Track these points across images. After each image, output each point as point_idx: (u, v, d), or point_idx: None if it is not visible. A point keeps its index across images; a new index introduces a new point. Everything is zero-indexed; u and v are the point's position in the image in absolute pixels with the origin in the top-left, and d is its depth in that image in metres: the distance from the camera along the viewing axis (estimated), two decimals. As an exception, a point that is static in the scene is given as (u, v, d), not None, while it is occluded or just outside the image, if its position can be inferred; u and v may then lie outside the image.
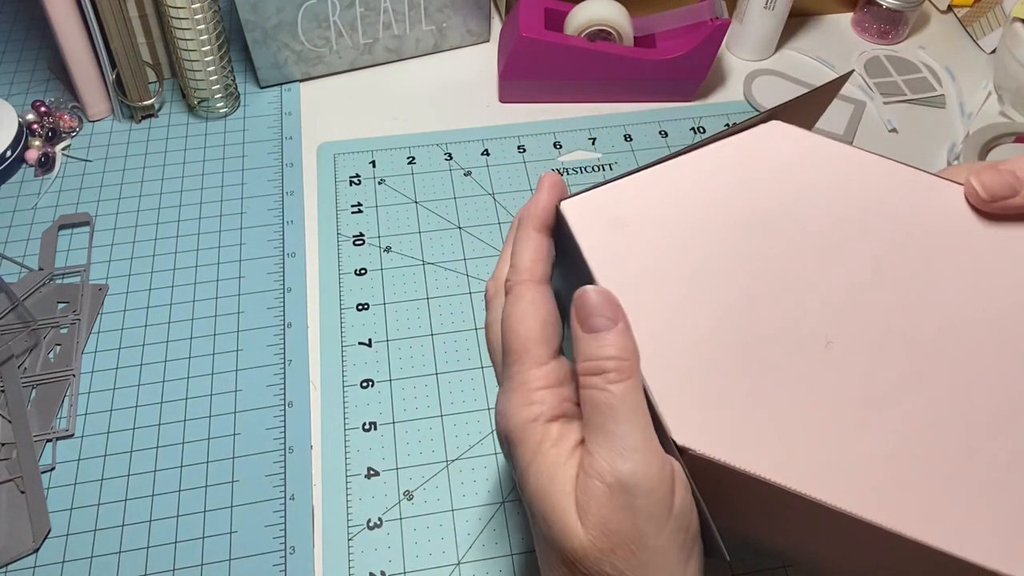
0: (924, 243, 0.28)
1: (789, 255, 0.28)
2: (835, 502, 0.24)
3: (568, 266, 0.29)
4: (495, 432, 0.29)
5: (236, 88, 0.63)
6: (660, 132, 0.63)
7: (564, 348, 0.28)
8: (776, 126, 0.31)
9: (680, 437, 0.24)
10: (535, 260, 0.28)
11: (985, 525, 0.23)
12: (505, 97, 0.64)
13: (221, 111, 0.63)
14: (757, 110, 0.64)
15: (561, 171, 0.60)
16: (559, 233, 0.29)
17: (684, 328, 0.27)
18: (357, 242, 0.55)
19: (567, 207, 0.29)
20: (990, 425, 0.25)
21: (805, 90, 0.66)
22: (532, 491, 0.25)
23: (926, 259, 0.28)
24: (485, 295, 0.31)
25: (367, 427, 0.46)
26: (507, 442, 0.27)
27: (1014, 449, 0.25)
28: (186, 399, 0.47)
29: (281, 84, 0.65)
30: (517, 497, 0.44)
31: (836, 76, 0.33)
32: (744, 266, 0.28)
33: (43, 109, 0.61)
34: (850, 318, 0.27)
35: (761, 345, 0.26)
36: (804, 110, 0.32)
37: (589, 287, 0.26)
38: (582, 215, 0.28)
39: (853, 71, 0.34)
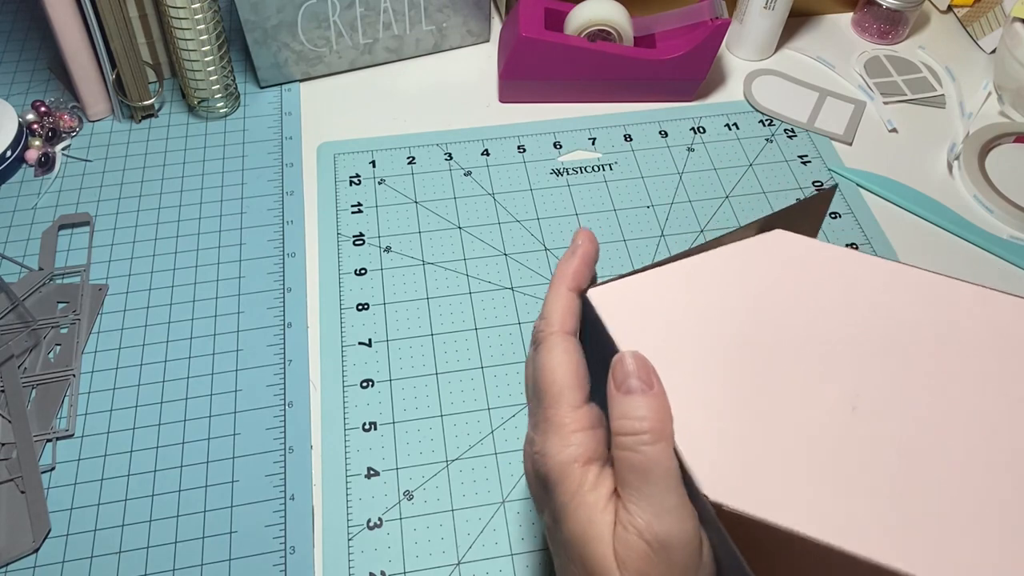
0: (935, 339, 0.30)
1: (803, 344, 0.29)
2: (871, 555, 0.24)
3: (594, 352, 0.31)
4: (526, 473, 0.31)
5: (236, 88, 0.63)
6: (660, 132, 0.63)
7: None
8: (781, 234, 0.33)
9: (713, 494, 0.26)
10: (566, 314, 0.30)
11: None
12: (505, 97, 0.64)
13: (221, 111, 0.63)
14: (757, 110, 0.64)
15: (561, 171, 0.60)
16: (588, 321, 0.31)
17: (710, 400, 0.28)
18: (357, 242, 0.55)
19: (594, 295, 0.31)
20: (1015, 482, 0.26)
21: (805, 90, 0.66)
22: (570, 533, 0.27)
23: (938, 353, 0.29)
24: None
25: (367, 427, 0.46)
26: (544, 482, 0.29)
27: None
28: (186, 399, 0.47)
29: (281, 84, 0.65)
30: (517, 497, 0.44)
31: (824, 190, 0.35)
32: (759, 351, 0.29)
33: (43, 109, 0.61)
34: (871, 391, 0.28)
35: (784, 414, 0.28)
36: (796, 220, 0.34)
37: (626, 351, 0.28)
38: (607, 302, 0.30)
39: (836, 187, 0.37)
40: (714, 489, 0.26)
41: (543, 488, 0.29)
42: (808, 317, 0.30)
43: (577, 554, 0.27)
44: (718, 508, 0.26)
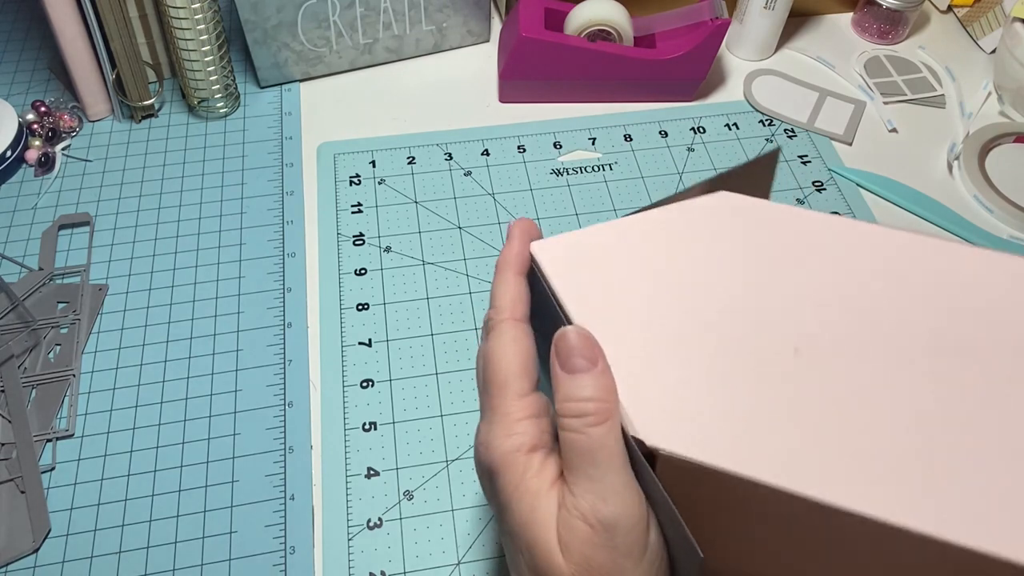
0: (877, 283, 0.29)
1: (752, 291, 0.29)
2: (813, 492, 0.24)
3: (542, 308, 0.30)
4: (476, 466, 0.30)
5: (236, 88, 0.63)
6: (660, 132, 0.63)
7: (542, 389, 0.29)
8: (725, 195, 0.33)
9: (651, 440, 0.25)
10: (515, 300, 0.30)
11: (979, 510, 0.23)
12: (505, 97, 0.64)
13: (221, 111, 0.63)
14: (757, 110, 0.64)
15: (561, 171, 0.60)
16: (532, 277, 0.31)
17: (653, 353, 0.28)
18: (357, 242, 0.55)
19: (538, 249, 0.30)
20: (979, 415, 0.25)
21: (805, 90, 0.66)
22: (515, 521, 0.27)
23: (879, 297, 0.29)
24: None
25: (367, 427, 0.46)
26: (489, 472, 0.28)
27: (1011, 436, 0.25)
28: (186, 399, 0.47)
29: (281, 84, 0.65)
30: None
31: (769, 151, 0.35)
32: (703, 305, 0.29)
33: (43, 109, 0.61)
34: (816, 328, 0.28)
35: (731, 357, 0.27)
36: (743, 182, 0.34)
37: (569, 328, 0.27)
38: (553, 257, 0.30)
39: (779, 149, 0.37)
40: (650, 435, 0.25)
41: (489, 480, 0.29)
42: (752, 270, 0.30)
43: (523, 542, 0.27)
44: (654, 454, 0.25)
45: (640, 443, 0.26)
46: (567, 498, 0.26)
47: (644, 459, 0.26)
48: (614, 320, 0.28)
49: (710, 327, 0.28)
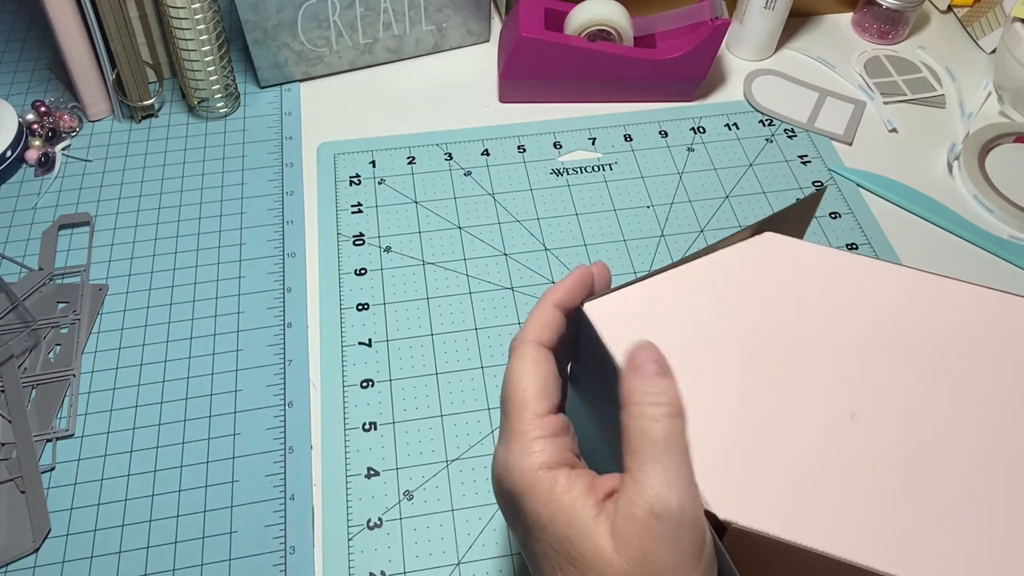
0: (932, 339, 0.30)
1: (799, 348, 0.29)
2: (875, 565, 0.24)
3: (593, 366, 0.31)
4: (493, 487, 0.30)
5: (236, 88, 0.63)
6: (660, 132, 0.63)
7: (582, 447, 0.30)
8: (771, 236, 0.33)
9: (722, 513, 0.25)
10: (543, 326, 0.30)
11: None
12: (505, 97, 0.64)
13: (221, 111, 0.63)
14: (757, 110, 0.64)
15: (561, 171, 0.60)
16: (584, 335, 0.31)
17: (709, 413, 0.28)
18: (357, 242, 0.55)
19: (590, 309, 0.30)
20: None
21: (805, 90, 0.66)
22: (552, 538, 0.26)
23: (936, 354, 0.29)
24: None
25: (367, 427, 0.46)
26: (512, 495, 0.28)
27: None
28: (186, 399, 0.47)
29: (281, 84, 0.65)
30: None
31: (815, 191, 0.35)
32: (756, 357, 0.29)
33: (43, 109, 0.61)
34: (869, 396, 0.28)
35: (790, 422, 0.27)
36: (789, 223, 0.34)
37: (642, 344, 0.28)
38: (604, 315, 0.30)
39: (826, 188, 0.37)
40: (722, 507, 0.25)
41: (511, 503, 0.28)
42: (803, 322, 0.30)
43: (565, 557, 0.26)
44: (726, 528, 0.25)
45: (711, 516, 0.26)
46: (629, 489, 0.25)
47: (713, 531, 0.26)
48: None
49: (767, 391, 0.28)
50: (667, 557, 0.24)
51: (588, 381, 0.31)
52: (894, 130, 0.64)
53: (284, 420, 0.46)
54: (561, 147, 0.61)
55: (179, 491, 0.44)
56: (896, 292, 0.31)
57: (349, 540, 0.42)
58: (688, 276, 0.31)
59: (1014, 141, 0.62)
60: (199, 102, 0.62)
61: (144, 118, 0.63)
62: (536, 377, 0.28)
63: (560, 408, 0.29)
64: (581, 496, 0.26)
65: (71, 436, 0.45)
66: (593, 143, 0.62)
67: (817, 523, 0.25)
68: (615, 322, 0.30)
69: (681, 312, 0.30)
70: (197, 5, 0.56)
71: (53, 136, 0.60)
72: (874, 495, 0.26)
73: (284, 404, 0.47)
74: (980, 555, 0.25)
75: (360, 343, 0.50)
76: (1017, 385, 0.28)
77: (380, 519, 0.43)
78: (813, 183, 0.59)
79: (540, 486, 0.26)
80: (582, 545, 0.25)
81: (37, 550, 0.41)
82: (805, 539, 0.25)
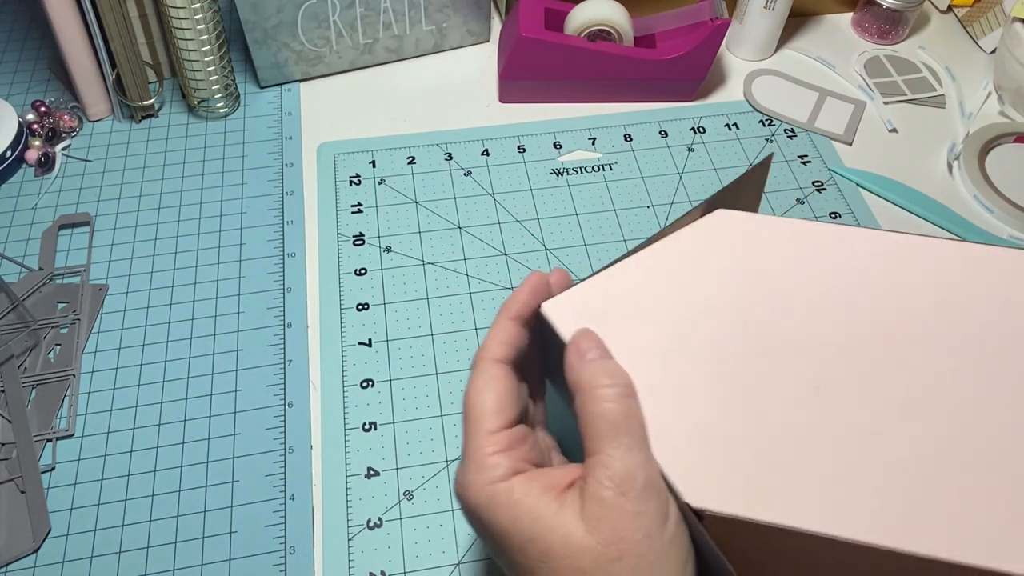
0: (890, 297, 0.29)
1: (760, 323, 0.29)
2: (861, 537, 0.24)
3: (557, 364, 0.31)
4: (460, 507, 0.30)
5: (236, 88, 0.63)
6: (660, 132, 0.63)
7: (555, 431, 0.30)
8: (724, 213, 0.33)
9: (696, 501, 0.26)
10: (500, 342, 0.31)
11: (1004, 531, 0.24)
12: (505, 97, 0.64)
13: (221, 111, 0.63)
14: (757, 110, 0.64)
15: (561, 171, 0.60)
16: (545, 335, 0.31)
17: (675, 400, 0.28)
18: (357, 242, 0.55)
19: (548, 308, 0.31)
20: (995, 436, 0.25)
21: (805, 90, 0.66)
22: (519, 539, 0.27)
23: (894, 314, 0.29)
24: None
25: (367, 427, 0.46)
26: (472, 510, 0.28)
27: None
28: (186, 399, 0.47)
29: (281, 84, 0.65)
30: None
31: (763, 160, 0.35)
32: (718, 338, 0.29)
33: (43, 109, 0.61)
34: (833, 365, 0.28)
35: (755, 401, 0.27)
36: (741, 194, 0.34)
37: (579, 333, 0.29)
38: (562, 314, 0.30)
39: (772, 155, 0.37)
40: (696, 496, 0.26)
41: (476, 520, 0.29)
42: (761, 298, 0.30)
43: (534, 554, 0.27)
44: (702, 515, 0.26)
45: (687, 505, 0.26)
46: (596, 472, 0.26)
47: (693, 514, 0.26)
48: (634, 373, 0.28)
49: (732, 373, 0.28)
50: (638, 531, 0.25)
51: (559, 377, 0.31)
52: (894, 130, 0.64)
53: (284, 420, 0.46)
54: (561, 147, 0.61)
55: (179, 491, 0.44)
56: (854, 254, 0.30)
57: (349, 540, 0.42)
58: (644, 263, 0.31)
59: (1014, 141, 0.62)
60: (199, 102, 0.62)
61: (144, 118, 0.63)
62: (491, 394, 0.29)
63: (521, 419, 0.30)
64: (540, 496, 0.27)
65: (71, 436, 0.45)
66: (593, 143, 0.62)
67: (793, 501, 0.25)
68: (575, 318, 0.30)
69: (640, 301, 0.30)
70: (197, 5, 0.56)
71: (53, 136, 0.60)
72: (845, 466, 0.26)
73: (284, 404, 0.47)
74: (956, 514, 0.24)
75: (360, 343, 0.50)
76: (979, 337, 0.28)
77: (380, 519, 0.43)
78: (813, 183, 0.59)
79: (496, 498, 0.27)
80: (550, 539, 0.26)
81: (37, 550, 0.41)
82: (782, 518, 0.25)
